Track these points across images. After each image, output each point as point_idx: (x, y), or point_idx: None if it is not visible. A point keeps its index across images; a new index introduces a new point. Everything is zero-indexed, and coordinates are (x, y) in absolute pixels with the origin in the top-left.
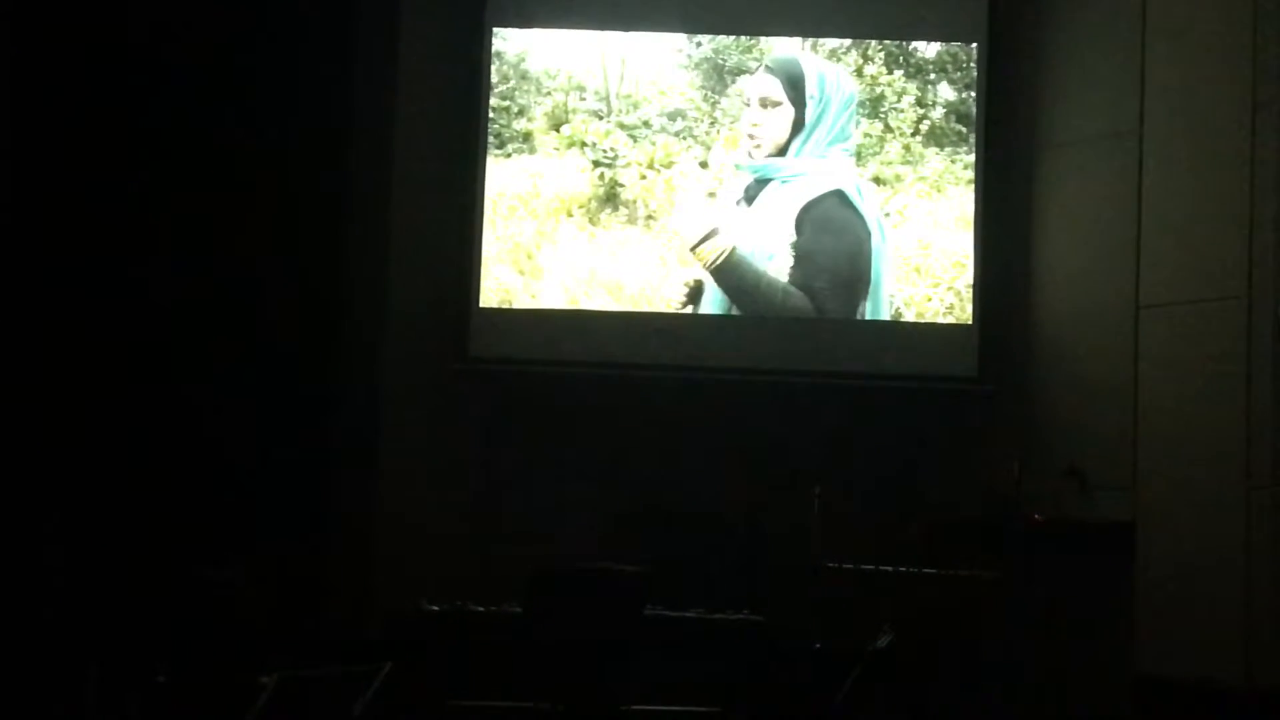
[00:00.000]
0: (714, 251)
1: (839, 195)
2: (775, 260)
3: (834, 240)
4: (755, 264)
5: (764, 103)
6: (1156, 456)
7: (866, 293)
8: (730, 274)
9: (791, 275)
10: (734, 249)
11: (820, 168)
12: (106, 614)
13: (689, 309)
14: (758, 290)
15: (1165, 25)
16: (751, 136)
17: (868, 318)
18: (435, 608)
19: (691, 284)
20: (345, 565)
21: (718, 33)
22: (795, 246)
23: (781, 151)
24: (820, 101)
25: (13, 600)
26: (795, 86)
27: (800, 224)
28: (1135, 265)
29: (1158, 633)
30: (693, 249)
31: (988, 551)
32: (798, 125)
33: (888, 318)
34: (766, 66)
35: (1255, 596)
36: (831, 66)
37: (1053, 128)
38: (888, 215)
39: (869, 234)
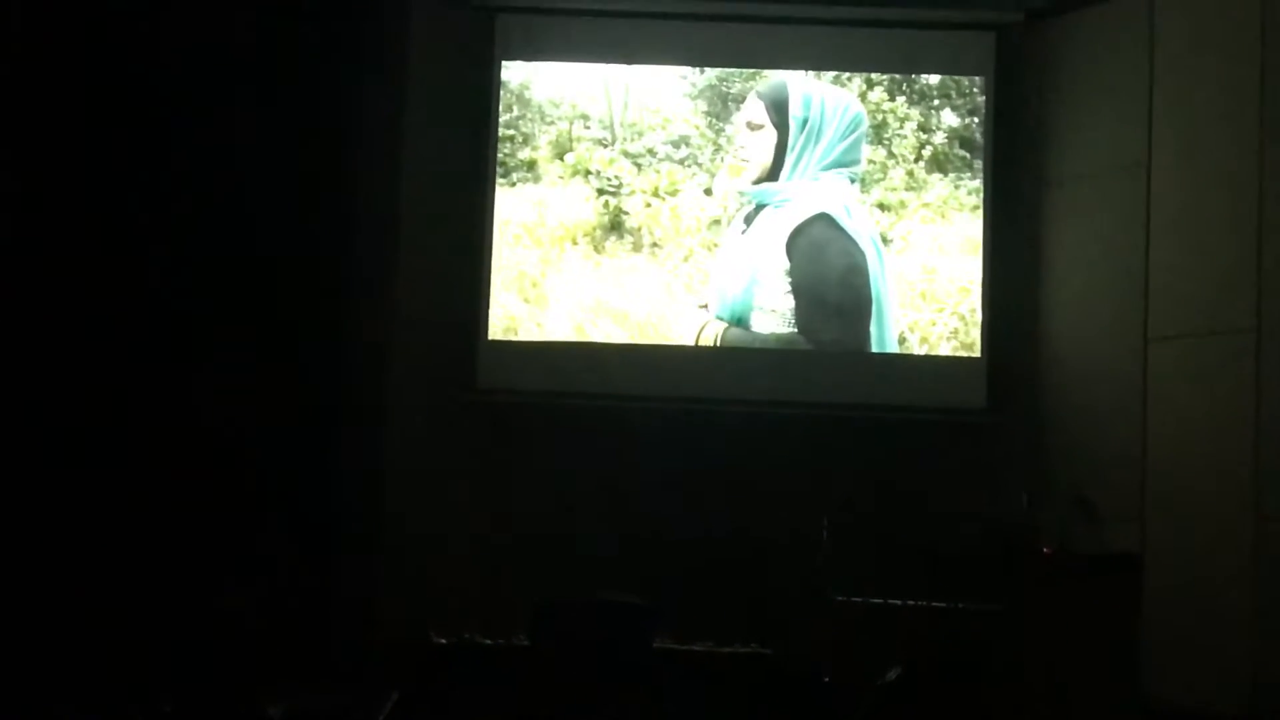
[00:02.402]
0: (711, 337)
1: (825, 218)
2: (762, 287)
3: (824, 266)
4: (752, 329)
5: (749, 126)
6: (1165, 488)
7: (870, 315)
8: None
9: (793, 318)
10: (725, 329)
11: (810, 191)
12: (112, 643)
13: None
14: (764, 350)
15: (1172, 59)
16: (741, 160)
17: (876, 345)
18: (442, 640)
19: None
20: (352, 596)
21: (721, 66)
22: (790, 277)
23: (772, 175)
24: (807, 123)
25: (15, 629)
26: (779, 109)
27: (791, 251)
28: (1144, 298)
29: (1165, 664)
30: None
31: (997, 583)
32: (780, 148)
33: (895, 343)
34: (756, 91)
35: (1263, 629)
36: (831, 90)
37: (1061, 160)
38: (889, 241)
39: (863, 254)
